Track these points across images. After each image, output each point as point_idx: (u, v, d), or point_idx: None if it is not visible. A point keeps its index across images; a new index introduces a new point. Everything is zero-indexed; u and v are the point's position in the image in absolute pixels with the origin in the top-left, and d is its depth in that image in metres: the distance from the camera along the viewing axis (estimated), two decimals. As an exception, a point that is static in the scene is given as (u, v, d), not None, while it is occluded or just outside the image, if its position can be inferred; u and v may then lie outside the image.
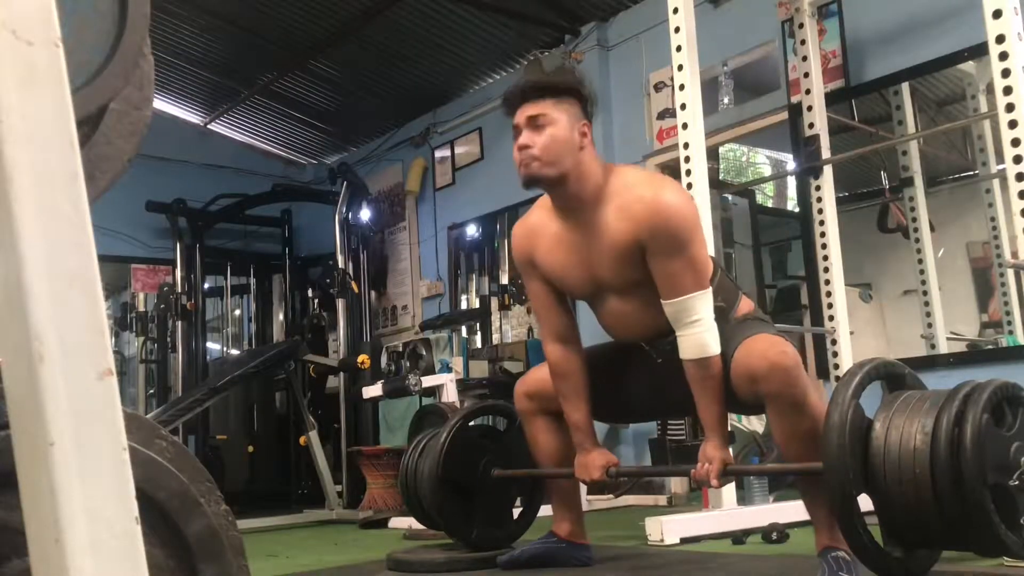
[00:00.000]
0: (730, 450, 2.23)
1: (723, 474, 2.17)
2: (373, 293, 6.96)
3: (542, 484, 2.76)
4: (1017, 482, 1.68)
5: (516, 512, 2.87)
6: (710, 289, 2.17)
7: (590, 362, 2.41)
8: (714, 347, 2.13)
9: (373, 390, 4.99)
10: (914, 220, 4.37)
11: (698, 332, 2.13)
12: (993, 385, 1.72)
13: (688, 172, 3.29)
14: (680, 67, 3.32)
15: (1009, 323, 4.24)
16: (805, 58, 3.91)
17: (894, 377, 1.89)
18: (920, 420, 1.71)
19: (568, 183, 2.21)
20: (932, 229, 4.35)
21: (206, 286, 7.10)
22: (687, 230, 2.13)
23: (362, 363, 5.68)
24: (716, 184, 5.37)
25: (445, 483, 2.65)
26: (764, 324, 2.28)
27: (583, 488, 2.78)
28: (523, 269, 2.44)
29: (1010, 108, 2.80)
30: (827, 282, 3.81)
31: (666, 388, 2.32)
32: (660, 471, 2.37)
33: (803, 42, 3.91)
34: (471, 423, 2.83)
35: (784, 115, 4.55)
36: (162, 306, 6.73)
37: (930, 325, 4.21)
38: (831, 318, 3.78)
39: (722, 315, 2.22)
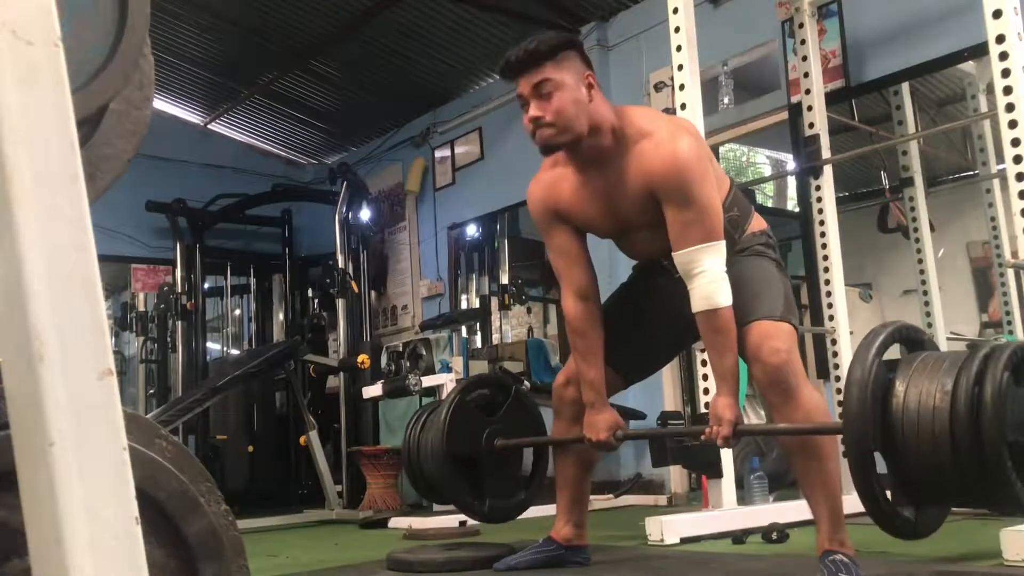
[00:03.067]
0: (740, 406, 2.21)
1: (733, 435, 2.15)
2: (373, 293, 6.95)
3: (546, 450, 2.78)
4: None
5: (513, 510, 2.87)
6: (721, 243, 2.17)
7: (607, 312, 2.43)
8: (722, 299, 2.13)
9: (373, 390, 4.99)
10: (914, 220, 4.37)
11: (705, 283, 2.13)
12: (1013, 346, 1.73)
13: (688, 172, 3.29)
14: (680, 67, 3.32)
15: (1009, 323, 4.24)
16: (805, 58, 3.90)
17: (914, 341, 1.89)
18: (940, 379, 1.71)
19: (585, 140, 2.23)
20: (932, 229, 4.35)
21: (206, 286, 7.10)
22: (698, 183, 2.13)
23: (362, 363, 5.68)
24: (716, 184, 5.35)
25: (450, 458, 2.64)
26: (766, 271, 2.28)
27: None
28: (545, 223, 2.42)
29: (1010, 108, 2.80)
30: (827, 282, 3.81)
31: (684, 305, 2.31)
32: (668, 432, 2.38)
33: (803, 42, 3.91)
34: (469, 397, 2.82)
35: (784, 115, 4.55)
36: (162, 306, 6.73)
37: (930, 325, 4.21)
38: (831, 318, 3.78)
39: (734, 225, 2.26)
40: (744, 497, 3.52)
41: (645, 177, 2.18)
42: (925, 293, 4.30)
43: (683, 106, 3.32)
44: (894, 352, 1.86)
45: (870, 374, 1.75)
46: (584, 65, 2.25)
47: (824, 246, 3.84)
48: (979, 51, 3.65)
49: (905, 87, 4.30)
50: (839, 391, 3.67)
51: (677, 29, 3.32)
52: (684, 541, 2.98)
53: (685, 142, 2.16)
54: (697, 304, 2.15)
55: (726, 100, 4.98)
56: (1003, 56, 2.82)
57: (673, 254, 2.18)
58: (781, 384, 2.09)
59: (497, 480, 2.73)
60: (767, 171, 7.38)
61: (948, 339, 4.29)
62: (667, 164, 2.14)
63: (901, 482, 1.81)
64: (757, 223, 2.38)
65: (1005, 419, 1.64)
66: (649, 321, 2.49)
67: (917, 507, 1.82)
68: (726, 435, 2.14)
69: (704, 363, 3.40)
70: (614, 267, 4.34)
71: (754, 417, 4.99)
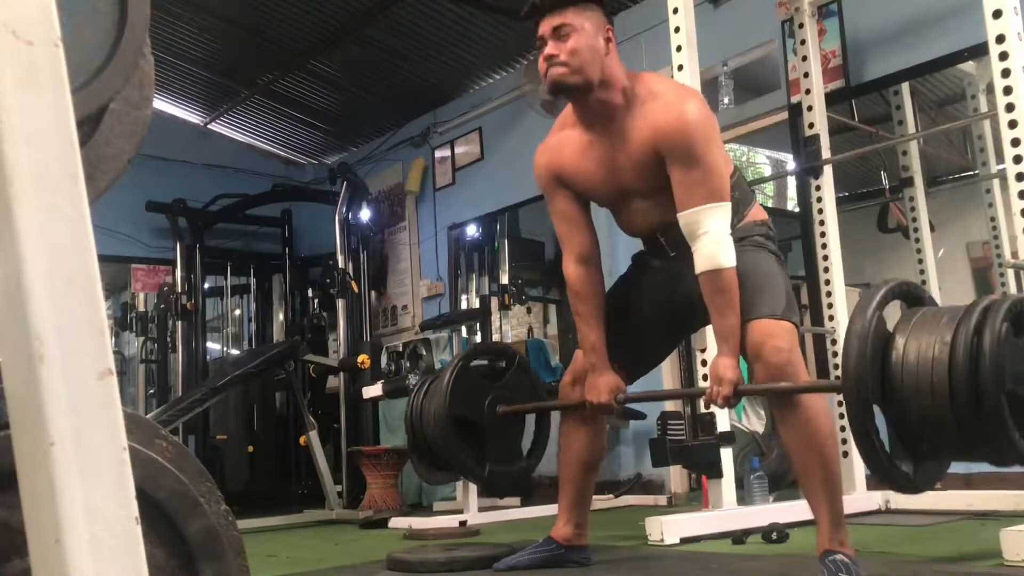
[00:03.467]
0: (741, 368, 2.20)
1: (734, 395, 2.15)
2: (373, 293, 6.95)
3: (548, 419, 2.82)
4: None
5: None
6: (726, 204, 2.18)
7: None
8: (725, 260, 2.14)
9: (373, 390, 4.99)
10: (914, 220, 4.37)
11: (708, 244, 2.14)
12: (1013, 298, 1.73)
13: (688, 172, 3.29)
14: (680, 67, 3.32)
15: (1009, 323, 4.23)
16: (805, 58, 3.90)
17: (914, 297, 1.89)
18: (939, 332, 1.71)
19: (594, 90, 2.24)
20: (932, 229, 4.35)
21: (206, 286, 7.09)
22: (704, 143, 2.15)
23: (362, 363, 5.68)
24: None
25: (453, 421, 2.65)
26: (767, 266, 2.27)
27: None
28: (548, 187, 2.44)
29: (1010, 108, 2.80)
30: (827, 282, 3.81)
31: (679, 286, 2.34)
32: (669, 394, 2.40)
33: (803, 42, 3.91)
34: (472, 363, 2.84)
35: (784, 115, 4.55)
36: (162, 306, 6.73)
37: (930, 325, 4.20)
38: (831, 318, 3.78)
39: (733, 208, 2.25)
40: (744, 497, 3.52)
41: (652, 135, 2.19)
42: (925, 293, 4.28)
43: (683, 106, 3.32)
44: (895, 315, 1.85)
45: (870, 325, 1.75)
46: (606, 20, 2.29)
47: (824, 246, 3.84)
48: (979, 51, 3.65)
49: (905, 87, 4.30)
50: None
51: (677, 29, 3.32)
52: (684, 541, 2.98)
53: (694, 103, 2.19)
54: (700, 264, 2.16)
55: (726, 100, 4.98)
56: (1003, 56, 2.82)
57: (678, 215, 2.19)
58: (781, 380, 2.09)
59: (499, 447, 2.74)
60: (767, 171, 7.38)
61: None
62: (675, 122, 2.16)
63: (900, 435, 1.81)
64: (757, 212, 2.38)
65: (1003, 369, 1.64)
66: (646, 316, 2.48)
67: (916, 462, 1.82)
68: (726, 395, 2.14)
69: (704, 363, 3.39)
70: (614, 263, 4.34)
71: (754, 417, 5.00)
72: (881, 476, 1.84)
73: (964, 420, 1.67)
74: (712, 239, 2.14)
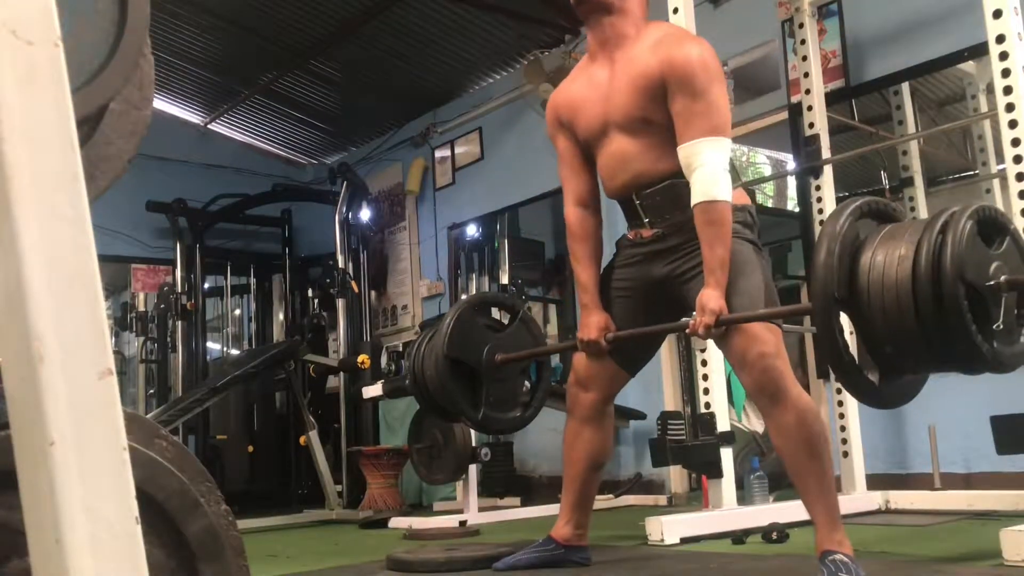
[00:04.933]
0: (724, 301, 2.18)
1: (716, 325, 2.14)
2: (373, 293, 6.96)
3: (547, 369, 2.91)
4: (992, 283, 1.69)
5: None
6: (726, 140, 2.22)
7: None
8: (719, 193, 2.16)
9: (373, 390, 4.99)
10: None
11: (705, 176, 2.17)
12: (981, 204, 1.76)
13: (688, 172, 3.29)
14: (680, 67, 3.32)
15: (1009, 323, 4.23)
16: (805, 58, 3.90)
17: (886, 215, 1.90)
18: (908, 237, 1.73)
19: (612, 12, 2.33)
20: (932, 229, 4.34)
21: (206, 286, 7.10)
22: (709, 77, 2.21)
23: (362, 363, 5.68)
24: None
25: (450, 363, 2.68)
26: (743, 257, 2.24)
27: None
28: (552, 129, 2.54)
29: (1010, 108, 2.80)
30: (827, 282, 3.81)
31: (655, 272, 2.36)
32: (655, 329, 2.41)
33: (803, 42, 3.91)
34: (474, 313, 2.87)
35: (784, 115, 4.55)
36: (162, 306, 6.73)
37: (930, 325, 4.20)
38: (831, 318, 3.77)
39: None
40: (744, 497, 3.52)
41: (660, 64, 2.23)
42: (925, 293, 4.28)
43: (683, 106, 3.32)
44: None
45: (840, 229, 1.77)
46: None
47: (824, 246, 3.83)
48: (979, 51, 3.65)
49: (905, 87, 4.30)
50: (839, 391, 3.67)
51: (677, 29, 3.32)
52: (684, 541, 2.98)
53: (706, 46, 2.26)
54: (695, 196, 2.18)
55: (726, 100, 4.97)
56: (1003, 56, 2.82)
57: (678, 147, 2.22)
58: (770, 390, 2.11)
59: (496, 394, 2.78)
60: (767, 171, 7.38)
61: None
62: (687, 54, 2.22)
63: (866, 341, 1.81)
64: (739, 196, 2.35)
65: (964, 261, 1.65)
66: (632, 308, 2.46)
67: (883, 372, 1.82)
68: (707, 323, 2.14)
69: (704, 363, 3.40)
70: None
71: (754, 417, 5.00)
72: (844, 380, 1.84)
73: (925, 317, 1.67)
74: (709, 171, 2.17)
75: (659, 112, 2.26)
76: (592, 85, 2.41)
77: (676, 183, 2.28)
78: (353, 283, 6.27)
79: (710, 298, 2.15)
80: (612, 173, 2.43)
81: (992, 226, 1.76)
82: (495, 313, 3.16)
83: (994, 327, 1.70)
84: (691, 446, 3.35)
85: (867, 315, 1.75)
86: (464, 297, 4.97)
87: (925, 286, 1.66)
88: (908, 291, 1.68)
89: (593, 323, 2.43)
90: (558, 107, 2.51)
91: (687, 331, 2.22)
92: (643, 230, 2.39)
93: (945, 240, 1.67)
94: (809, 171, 3.91)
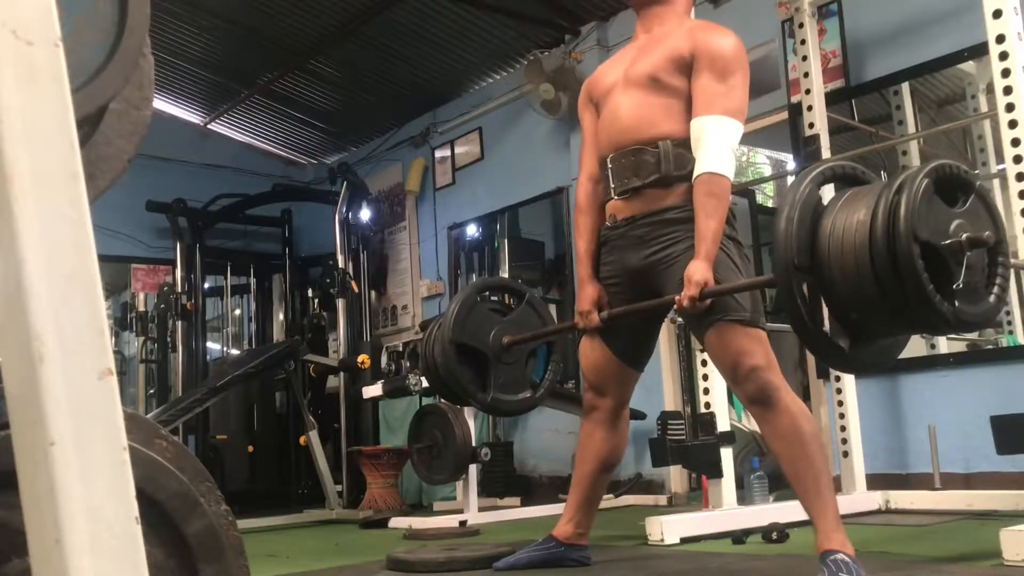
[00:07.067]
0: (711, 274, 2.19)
1: (700, 297, 2.14)
2: (373, 293, 6.96)
3: (557, 350, 2.98)
4: (950, 242, 1.67)
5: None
6: (740, 124, 2.26)
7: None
8: (724, 169, 2.21)
9: (373, 390, 4.99)
10: (914, 220, 4.36)
11: (709, 151, 2.21)
12: (943, 161, 1.74)
13: (688, 172, 3.29)
14: (680, 67, 3.31)
15: (1009, 323, 4.23)
16: (805, 58, 3.90)
17: (852, 178, 1.89)
18: (866, 201, 1.72)
19: (662, 2, 2.45)
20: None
21: (206, 286, 7.10)
22: (739, 65, 2.28)
23: (362, 363, 5.68)
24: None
25: (457, 347, 2.73)
26: (724, 253, 2.27)
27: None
28: (581, 107, 2.62)
29: (1010, 108, 2.80)
30: (827, 282, 3.81)
31: (628, 255, 2.39)
32: (643, 306, 2.41)
33: (803, 42, 3.91)
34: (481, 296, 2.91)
35: (784, 115, 4.55)
36: (162, 306, 6.73)
37: (930, 325, 4.20)
38: (831, 318, 3.77)
39: (681, 159, 2.32)
40: (744, 497, 3.52)
41: (694, 43, 2.30)
42: (925, 293, 4.28)
43: (683, 106, 3.31)
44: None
45: (801, 195, 1.77)
46: None
47: (824, 246, 3.83)
48: (979, 51, 3.65)
49: (905, 87, 4.30)
50: (839, 391, 3.67)
51: (677, 29, 3.32)
52: (684, 541, 2.98)
53: (740, 41, 2.34)
54: (701, 166, 2.22)
55: (726, 100, 4.97)
56: (1003, 56, 2.82)
57: (692, 120, 2.26)
58: (762, 399, 2.14)
59: (505, 376, 2.82)
60: (767, 171, 7.38)
61: (948, 339, 4.29)
62: (721, 38, 2.31)
63: (832, 308, 1.81)
64: None
65: (918, 218, 1.64)
66: (624, 300, 2.45)
67: (852, 338, 1.81)
68: (692, 295, 2.14)
69: (704, 363, 3.40)
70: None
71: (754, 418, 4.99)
72: (810, 347, 1.84)
73: (884, 280, 1.66)
74: (719, 145, 2.21)
75: (674, 77, 2.32)
76: (623, 59, 2.50)
77: (644, 150, 2.32)
78: (353, 283, 6.26)
79: (697, 269, 2.17)
80: (609, 132, 2.46)
81: (955, 184, 1.74)
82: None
83: (954, 287, 1.68)
84: (691, 446, 3.35)
85: (829, 282, 1.75)
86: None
87: (881, 249, 1.65)
88: (866, 255, 1.68)
89: (587, 295, 2.49)
90: (590, 84, 2.59)
91: (675, 307, 2.23)
92: (615, 212, 2.42)
93: (899, 200, 1.66)
94: (809, 171, 3.91)
